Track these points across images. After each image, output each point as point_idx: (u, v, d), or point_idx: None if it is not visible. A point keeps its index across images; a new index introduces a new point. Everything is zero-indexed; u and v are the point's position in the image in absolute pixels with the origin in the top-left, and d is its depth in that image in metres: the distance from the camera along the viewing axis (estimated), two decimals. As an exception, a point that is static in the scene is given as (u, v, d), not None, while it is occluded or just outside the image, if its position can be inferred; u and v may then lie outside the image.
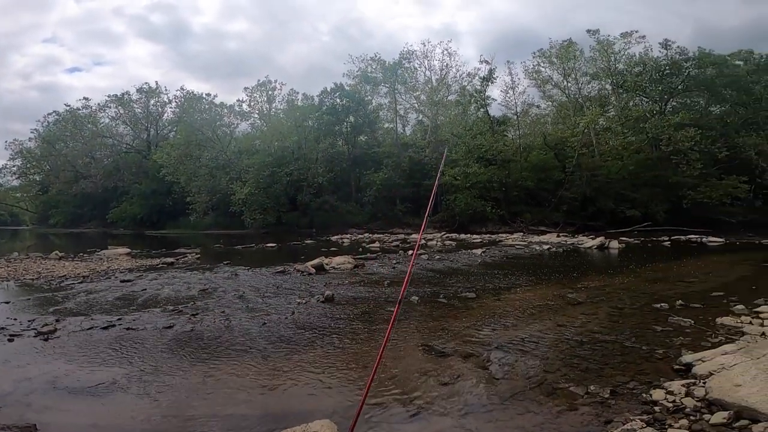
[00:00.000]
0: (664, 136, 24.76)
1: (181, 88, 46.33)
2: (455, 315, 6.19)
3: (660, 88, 26.97)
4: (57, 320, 5.97)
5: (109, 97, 45.24)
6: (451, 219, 27.30)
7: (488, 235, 22.11)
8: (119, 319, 6.04)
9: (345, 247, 17.61)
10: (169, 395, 3.70)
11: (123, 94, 44.93)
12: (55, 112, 47.18)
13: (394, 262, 12.15)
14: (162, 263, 12.62)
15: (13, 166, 49.13)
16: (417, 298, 7.26)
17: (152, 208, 38.37)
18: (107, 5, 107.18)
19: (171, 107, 45.99)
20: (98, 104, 45.65)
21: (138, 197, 39.21)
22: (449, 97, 36.69)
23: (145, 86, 45.23)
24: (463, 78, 36.28)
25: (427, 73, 37.22)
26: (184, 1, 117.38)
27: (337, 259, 11.48)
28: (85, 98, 46.54)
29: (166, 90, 46.03)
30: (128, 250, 16.44)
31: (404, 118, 39.42)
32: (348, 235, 24.23)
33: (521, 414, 3.24)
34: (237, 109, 41.05)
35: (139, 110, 46.07)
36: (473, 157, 27.71)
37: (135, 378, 4.04)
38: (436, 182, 4.40)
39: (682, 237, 18.63)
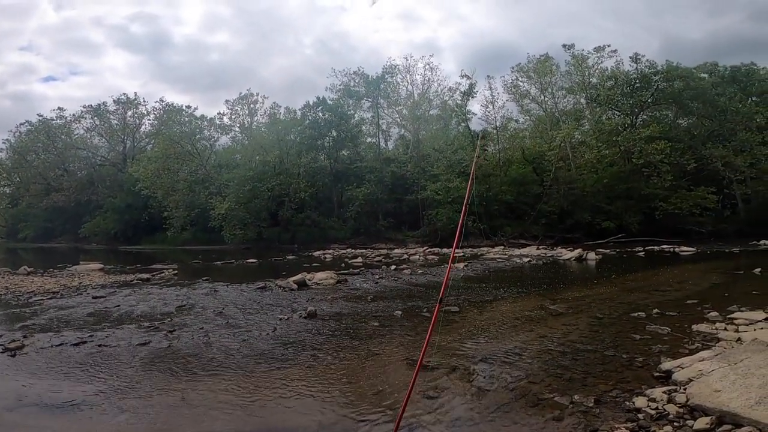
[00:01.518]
0: (635, 149, 25.43)
1: (161, 100, 45.39)
2: (439, 329, 6.18)
3: (631, 102, 27.81)
4: (25, 336, 5.76)
5: (84, 107, 43.93)
6: (433, 233, 27.42)
7: (470, 249, 22.27)
8: (91, 335, 5.85)
9: (327, 263, 17.45)
10: (146, 413, 3.56)
11: (99, 105, 43.76)
12: (27, 122, 45.56)
13: (377, 277, 12.10)
14: (137, 279, 12.24)
15: (-18, 178, 47.28)
16: (400, 312, 7.24)
17: (127, 223, 37.23)
18: (86, 14, 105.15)
19: (149, 119, 44.91)
20: (73, 115, 44.27)
21: (112, 211, 38.01)
22: (431, 112, 37.20)
23: (122, 97, 44.16)
24: (444, 92, 36.84)
25: (410, 87, 37.62)
26: (165, 12, 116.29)
27: (320, 275, 11.36)
28: (59, 108, 44.93)
29: (144, 101, 45.05)
30: (101, 265, 15.96)
31: (386, 132, 39.68)
32: (330, 251, 24.03)
33: (507, 426, 3.24)
34: (218, 122, 40.35)
35: (116, 122, 44.90)
36: (454, 171, 28.03)
37: (108, 396, 3.89)
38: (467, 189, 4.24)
39: (656, 247, 19.20)
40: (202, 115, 40.79)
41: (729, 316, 5.98)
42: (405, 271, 13.30)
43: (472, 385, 4.08)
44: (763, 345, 4.32)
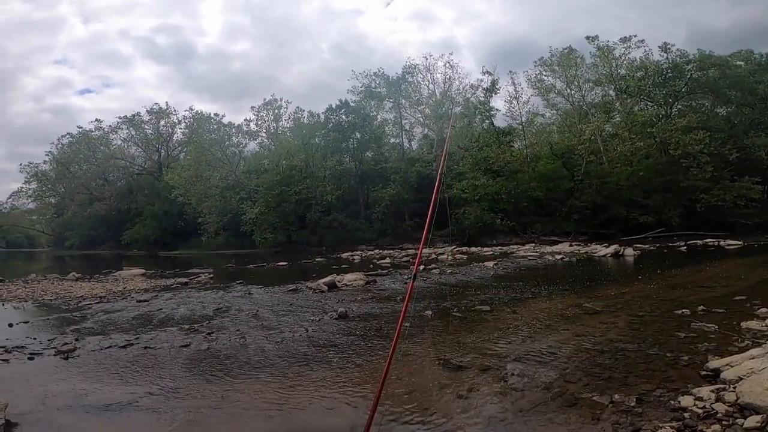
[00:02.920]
0: (672, 140, 24.55)
1: (190, 109, 47.14)
2: (470, 328, 6.14)
3: (664, 92, 26.91)
4: (76, 339, 6.06)
5: (120, 118, 46.32)
6: (461, 232, 27.19)
7: (499, 248, 21.96)
8: (137, 337, 6.11)
9: (356, 264, 17.61)
10: (188, 414, 3.71)
11: (134, 116, 45.98)
12: (68, 134, 48.22)
13: (405, 277, 12.11)
14: (176, 283, 12.74)
15: (29, 189, 50.10)
16: (431, 312, 7.22)
17: (165, 230, 38.86)
18: (112, 27, 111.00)
19: (180, 128, 46.92)
20: (110, 126, 46.70)
21: (151, 218, 39.77)
22: (454, 110, 36.93)
23: (155, 107, 46.32)
24: (466, 90, 36.45)
25: (431, 86, 37.43)
26: (187, 23, 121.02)
27: (349, 276, 11.49)
28: (97, 120, 47.60)
29: (175, 111, 47.02)
30: (143, 270, 16.68)
31: (410, 132, 39.69)
32: (358, 252, 24.23)
33: (543, 425, 3.17)
34: (245, 128, 41.55)
35: (150, 131, 47.02)
36: (481, 169, 27.69)
37: (154, 397, 4.07)
38: (436, 189, 4.10)
39: (699, 241, 18.34)
40: (230, 123, 42.24)
41: None
42: (434, 270, 13.25)
43: (505, 384, 4.01)
44: None
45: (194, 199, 34.40)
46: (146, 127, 46.67)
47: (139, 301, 9.39)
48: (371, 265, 16.42)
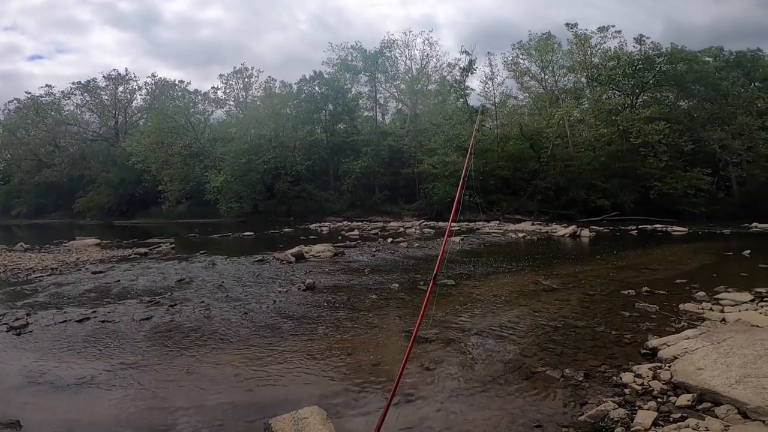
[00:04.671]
0: (634, 129, 25.63)
1: (152, 75, 44.38)
2: (436, 302, 6.30)
3: (632, 82, 27.80)
4: (28, 314, 5.79)
5: (74, 84, 42.85)
6: (430, 207, 27.55)
7: (466, 223, 22.42)
8: (93, 311, 5.91)
9: (324, 236, 17.56)
10: (153, 387, 3.67)
11: (89, 81, 42.76)
12: (15, 99, 44.38)
13: (374, 250, 12.22)
14: (135, 254, 12.29)
15: (-27, 155, 46.32)
16: (397, 285, 7.36)
17: (121, 198, 36.99)
18: None
19: (141, 94, 44.14)
20: (62, 92, 43.19)
21: (105, 186, 37.67)
22: (429, 87, 36.72)
23: (113, 73, 43.21)
24: (443, 68, 36.44)
25: (408, 62, 37.14)
26: None
27: (317, 248, 11.47)
28: (47, 85, 43.81)
29: (135, 77, 44.14)
30: (98, 240, 15.91)
31: (384, 106, 39.33)
32: (327, 224, 24.14)
33: (502, 397, 3.38)
34: (212, 96, 39.93)
35: (107, 97, 43.95)
36: (452, 146, 27.91)
37: (115, 371, 3.98)
38: (467, 161, 4.03)
39: (649, 226, 19.41)
40: (196, 90, 40.17)
41: (716, 296, 6.09)
42: (401, 244, 13.44)
43: (467, 357, 4.22)
44: (746, 325, 4.48)
45: (154, 166, 32.80)
46: (102, 93, 43.58)
47: (95, 273, 9.02)
48: (340, 237, 16.44)
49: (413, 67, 36.92)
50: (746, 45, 30.24)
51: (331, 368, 4.00)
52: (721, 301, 5.85)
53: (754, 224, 18.38)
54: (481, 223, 22.58)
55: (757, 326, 4.47)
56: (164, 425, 3.07)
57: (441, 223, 22.56)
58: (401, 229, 19.33)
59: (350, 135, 33.70)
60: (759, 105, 26.97)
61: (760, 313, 5.18)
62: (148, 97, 43.00)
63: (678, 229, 17.45)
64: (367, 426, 2.99)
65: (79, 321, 5.49)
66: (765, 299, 5.85)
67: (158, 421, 3.13)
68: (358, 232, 18.31)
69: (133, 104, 45.06)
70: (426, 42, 37.65)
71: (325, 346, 4.59)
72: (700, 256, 10.69)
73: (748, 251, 10.43)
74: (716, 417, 2.82)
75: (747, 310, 5.40)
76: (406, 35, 37.54)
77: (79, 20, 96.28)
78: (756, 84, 28.95)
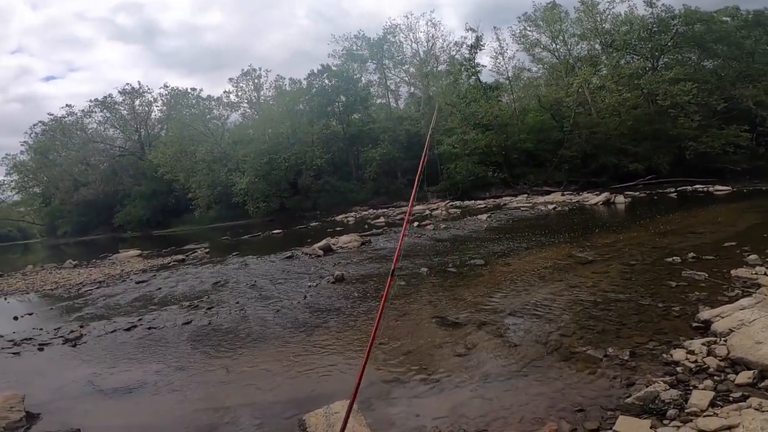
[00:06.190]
0: (660, 91, 24.79)
1: (165, 86, 45.57)
2: (466, 284, 6.23)
3: (650, 45, 26.95)
4: (81, 326, 6.12)
5: (91, 101, 44.59)
6: (454, 187, 27.21)
7: (492, 200, 22.07)
8: (140, 319, 6.19)
9: (350, 226, 17.69)
10: (198, 389, 3.81)
11: (105, 97, 44.38)
12: (40, 122, 46.49)
13: (398, 235, 12.18)
14: (173, 261, 12.77)
15: (11, 182, 48.83)
16: (426, 269, 7.31)
17: (156, 208, 38.54)
18: (65, 10, 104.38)
19: (157, 105, 45.53)
20: (82, 110, 45.05)
21: (140, 199, 39.33)
22: (439, 68, 36.13)
23: (127, 87, 44.64)
24: (450, 47, 35.91)
25: (414, 45, 36.75)
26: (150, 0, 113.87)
27: (344, 239, 11.56)
28: (68, 105, 45.97)
29: (149, 89, 45.52)
30: (139, 251, 16.71)
31: (396, 92, 39.14)
32: (352, 214, 24.30)
33: (540, 381, 3.21)
34: (225, 100, 40.62)
35: (126, 112, 45.59)
36: (470, 124, 27.40)
37: (163, 375, 4.17)
38: (425, 150, 4.02)
39: (689, 187, 18.40)
40: (209, 96, 41.15)
41: None
42: (428, 227, 13.34)
43: (502, 340, 4.05)
44: None
45: (182, 175, 33.92)
46: (121, 108, 45.19)
47: (138, 283, 9.42)
48: (366, 226, 16.51)
49: (420, 50, 36.55)
50: (762, 4, 28.41)
51: (361, 360, 4.02)
52: None
53: (805, 178, 17.14)
54: (507, 198, 22.16)
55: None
56: (207, 425, 3.18)
57: (467, 202, 22.29)
58: (427, 212, 19.18)
59: (366, 124, 33.64)
60: None
61: (820, 275, 4.61)
62: (165, 107, 44.22)
63: (721, 188, 16.45)
64: (398, 416, 2.98)
65: (127, 329, 5.76)
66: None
67: (205, 420, 3.25)
68: (383, 219, 18.34)
69: (152, 116, 46.48)
70: (429, 23, 37.49)
71: (356, 337, 4.61)
72: (748, 215, 9.93)
73: None
74: None
75: None
76: (408, 19, 37.29)
77: (82, 37, 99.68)
78: None
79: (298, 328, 5.15)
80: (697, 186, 18.62)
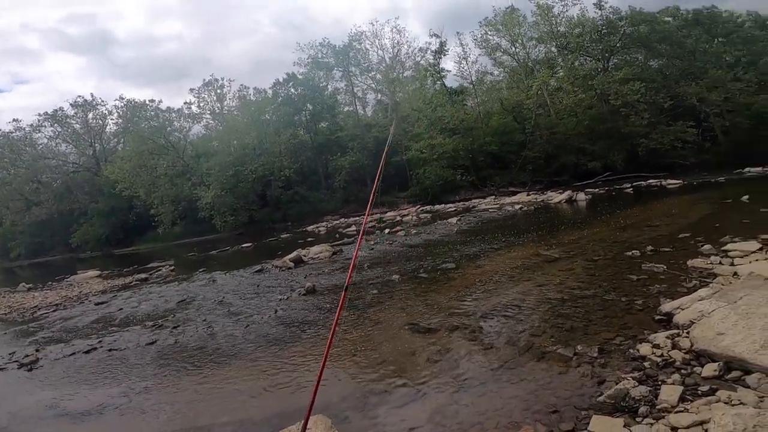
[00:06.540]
0: (611, 91, 26.15)
1: (120, 97, 43.64)
2: (438, 288, 6.25)
3: (600, 47, 28.47)
4: (37, 350, 5.83)
5: (40, 115, 42.03)
6: (424, 192, 27.50)
7: (462, 203, 22.41)
8: (100, 341, 5.94)
9: (322, 236, 17.50)
10: (165, 410, 3.65)
11: (56, 111, 41.99)
12: (-14, 139, 43.79)
13: (372, 243, 12.17)
14: (135, 281, 12.24)
15: (-44, 203, 45.68)
16: (398, 276, 7.30)
17: (115, 226, 36.76)
18: (11, 21, 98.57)
19: (113, 118, 43.27)
20: (31, 125, 42.48)
21: (97, 217, 37.39)
22: (405, 74, 36.63)
23: (79, 99, 42.27)
24: (415, 53, 36.49)
25: (380, 52, 37.10)
26: (102, 9, 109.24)
27: (314, 249, 11.42)
28: (15, 120, 43.31)
29: (103, 101, 43.12)
30: (98, 272, 15.99)
31: (363, 99, 39.20)
32: (324, 223, 24.07)
33: (514, 383, 3.23)
34: (186, 111, 39.30)
35: (78, 125, 43.11)
36: (436, 128, 27.86)
37: (127, 397, 3.99)
38: (383, 159, 4.00)
39: (643, 182, 19.40)
40: (168, 107, 39.67)
41: (723, 248, 5.79)
42: (399, 233, 13.39)
43: (475, 343, 4.07)
44: (760, 279, 4.20)
45: (142, 190, 32.53)
46: (73, 121, 42.74)
47: (98, 304, 9.03)
48: (337, 235, 16.38)
49: (386, 56, 36.94)
50: (700, 3, 30.83)
51: (336, 372, 3.94)
52: (729, 253, 5.52)
53: (747, 169, 18.39)
54: (476, 200, 22.57)
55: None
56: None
57: (437, 206, 22.56)
58: (398, 218, 19.26)
59: (334, 132, 33.52)
60: (727, 59, 28.07)
61: (773, 263, 4.81)
62: (121, 120, 42.31)
63: (672, 182, 17.43)
64: (374, 428, 2.93)
65: (87, 352, 5.55)
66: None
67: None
68: (355, 228, 18.25)
69: (107, 130, 44.20)
70: (394, 30, 37.68)
71: (331, 350, 4.52)
72: (699, 207, 10.49)
73: (746, 196, 10.23)
74: (748, 387, 2.65)
75: (757, 260, 5.09)
76: (373, 26, 37.56)
77: (29, 48, 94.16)
78: (719, 39, 29.63)
79: (269, 343, 5.01)
80: (651, 181, 19.64)
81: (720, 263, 5.25)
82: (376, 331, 4.89)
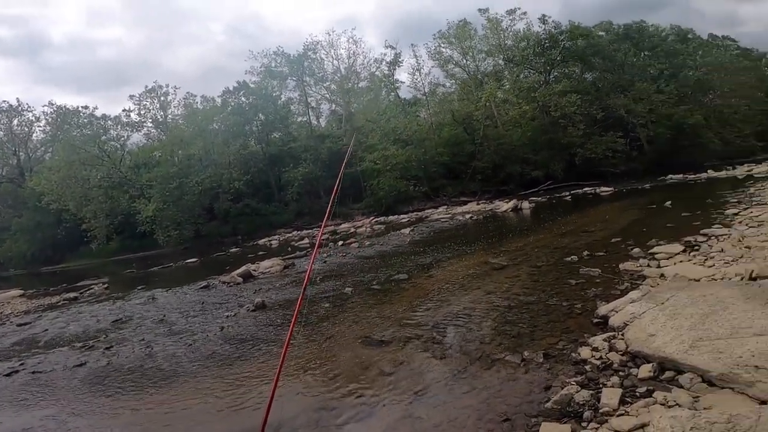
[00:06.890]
0: (551, 103, 27.87)
1: (50, 103, 39.89)
2: (390, 300, 6.23)
3: (542, 60, 30.27)
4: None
5: (-45, 121, 38.05)
6: (378, 203, 27.60)
7: (415, 214, 22.74)
8: (22, 363, 5.50)
9: (274, 250, 17.00)
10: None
11: (-27, 117, 38.12)
12: None
13: (325, 255, 11.98)
14: (63, 300, 11.23)
15: None
16: (351, 288, 7.21)
17: (42, 242, 33.45)
18: None
19: (40, 125, 39.60)
20: (-56, 132, 38.23)
21: (21, 232, 33.87)
22: (359, 85, 36.83)
23: (3, 105, 38.61)
24: (371, 64, 36.66)
25: (335, 62, 36.88)
26: (37, 11, 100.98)
27: (265, 263, 11.04)
28: (-76, 126, 38.65)
29: (30, 107, 39.44)
30: (21, 291, 14.59)
31: (317, 110, 38.82)
32: (276, 237, 23.41)
33: (467, 393, 3.26)
34: (125, 119, 36.15)
35: (1, 133, 39.44)
36: (390, 139, 28.20)
37: (53, 422, 3.70)
38: (341, 171, 3.99)
39: (580, 190, 20.81)
40: (104, 115, 36.75)
41: (650, 251, 6.25)
42: (353, 245, 13.30)
43: (428, 354, 4.08)
44: (684, 281, 4.54)
45: (72, 203, 29.93)
46: (-6, 128, 39.02)
47: (20, 325, 8.27)
48: (290, 248, 15.98)
49: (341, 67, 36.79)
50: (632, 17, 34.13)
51: (290, 388, 3.78)
52: (656, 256, 5.98)
53: (669, 176, 20.30)
54: (429, 210, 23.01)
55: (695, 280, 4.56)
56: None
57: (391, 217, 22.70)
58: (352, 230, 19.16)
59: (286, 143, 32.90)
60: (651, 71, 30.70)
61: (694, 263, 5.33)
62: (49, 128, 38.89)
63: (605, 189, 18.81)
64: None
65: (8, 375, 5.11)
66: (694, 248, 6.10)
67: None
68: (308, 240, 17.91)
69: (34, 137, 40.55)
70: (351, 40, 37.78)
71: (278, 366, 4.36)
72: (629, 212, 11.33)
73: (669, 202, 11.20)
74: (681, 387, 2.75)
75: (681, 261, 5.53)
76: (329, 35, 37.46)
77: None
78: (645, 53, 32.52)
79: (215, 361, 4.74)
80: (587, 189, 21.10)
81: (648, 266, 5.65)
82: (329, 345, 4.77)
